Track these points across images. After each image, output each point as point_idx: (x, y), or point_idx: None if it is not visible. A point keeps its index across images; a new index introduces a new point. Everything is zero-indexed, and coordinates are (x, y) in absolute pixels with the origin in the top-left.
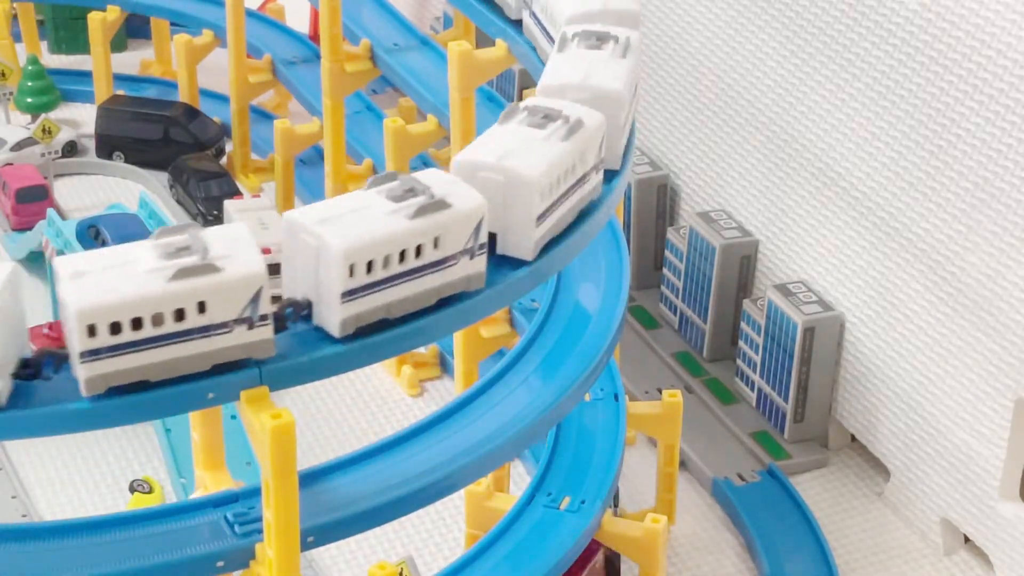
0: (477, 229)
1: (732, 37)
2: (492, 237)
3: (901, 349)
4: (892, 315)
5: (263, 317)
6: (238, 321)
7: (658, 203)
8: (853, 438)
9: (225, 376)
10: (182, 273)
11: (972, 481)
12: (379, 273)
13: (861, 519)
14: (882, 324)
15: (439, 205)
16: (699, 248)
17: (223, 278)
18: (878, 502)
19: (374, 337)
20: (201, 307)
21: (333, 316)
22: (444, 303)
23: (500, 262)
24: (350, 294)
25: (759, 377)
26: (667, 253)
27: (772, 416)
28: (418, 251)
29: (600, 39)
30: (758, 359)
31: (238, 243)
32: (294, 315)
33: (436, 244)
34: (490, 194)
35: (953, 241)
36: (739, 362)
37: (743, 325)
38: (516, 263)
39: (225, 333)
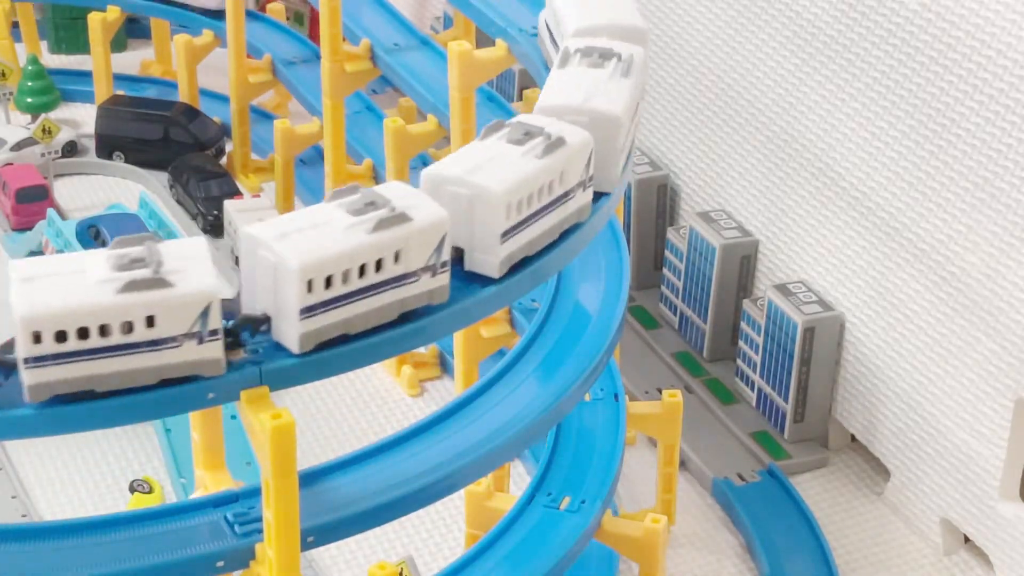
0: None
1: (732, 37)
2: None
3: (901, 349)
4: (892, 315)
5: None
6: None
7: (658, 203)
8: (853, 438)
9: (225, 376)
10: None
11: (972, 481)
12: (72, 343)
13: (861, 519)
14: (882, 324)
15: (158, 282)
16: (699, 248)
17: None
18: (878, 502)
19: None
20: None
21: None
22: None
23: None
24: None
25: (759, 377)
26: (667, 253)
27: (772, 416)
28: (129, 326)
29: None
30: (758, 359)
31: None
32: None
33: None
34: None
35: (953, 241)
36: (739, 362)
37: (743, 325)
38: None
39: None
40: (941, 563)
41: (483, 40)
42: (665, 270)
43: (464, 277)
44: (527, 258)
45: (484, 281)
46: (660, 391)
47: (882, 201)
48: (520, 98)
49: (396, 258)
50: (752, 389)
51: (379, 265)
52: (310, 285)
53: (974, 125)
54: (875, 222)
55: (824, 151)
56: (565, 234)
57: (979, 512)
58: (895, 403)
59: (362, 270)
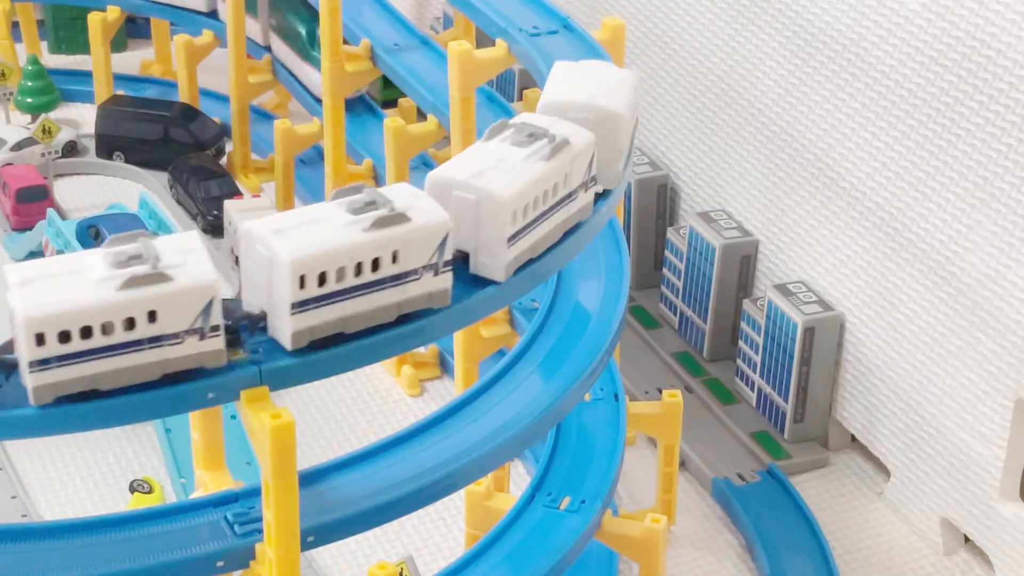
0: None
1: (732, 37)
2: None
3: (901, 349)
4: (892, 315)
5: None
6: None
7: (658, 203)
8: (853, 438)
9: (225, 376)
10: None
11: (972, 481)
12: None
13: (861, 519)
14: (882, 324)
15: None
16: (699, 248)
17: None
18: (878, 502)
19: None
20: None
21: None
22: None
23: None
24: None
25: (759, 377)
26: (667, 253)
27: (772, 416)
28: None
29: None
30: (758, 359)
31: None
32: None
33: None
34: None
35: (953, 241)
36: (739, 362)
37: (743, 325)
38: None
39: None
40: (941, 563)
41: (483, 40)
42: (665, 270)
43: (268, 342)
44: (343, 335)
45: (284, 353)
46: (660, 391)
47: (882, 201)
48: (520, 98)
49: (152, 317)
50: (752, 389)
51: (131, 323)
52: (40, 338)
53: (974, 125)
54: (875, 222)
55: (824, 151)
56: (408, 318)
57: (979, 512)
58: (895, 403)
59: (106, 328)
